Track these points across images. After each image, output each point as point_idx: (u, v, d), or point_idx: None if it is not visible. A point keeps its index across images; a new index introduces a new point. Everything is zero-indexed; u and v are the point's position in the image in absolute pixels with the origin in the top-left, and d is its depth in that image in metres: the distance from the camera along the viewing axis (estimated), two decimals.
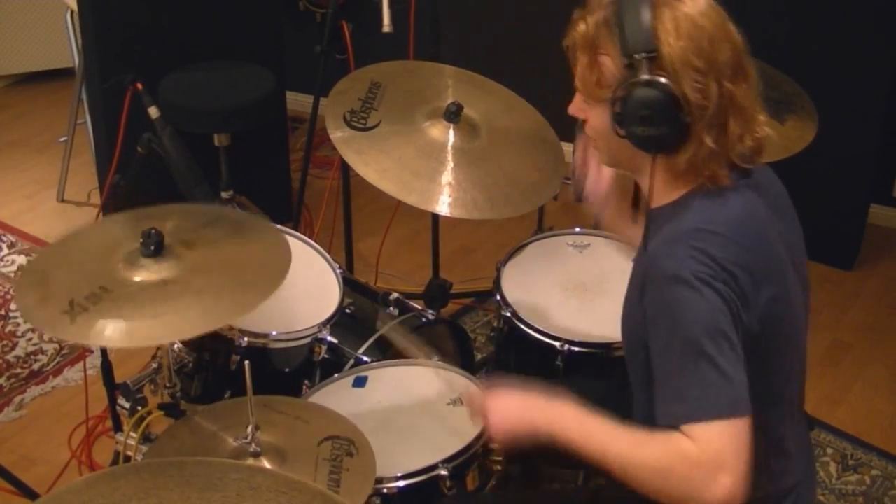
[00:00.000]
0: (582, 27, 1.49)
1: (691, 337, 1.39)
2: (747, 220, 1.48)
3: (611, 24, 1.45)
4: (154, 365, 2.20)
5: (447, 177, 2.14)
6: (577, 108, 1.58)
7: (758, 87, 1.50)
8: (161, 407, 2.12)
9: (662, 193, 1.53)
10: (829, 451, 2.70)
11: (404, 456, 1.86)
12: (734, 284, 1.41)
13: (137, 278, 1.70)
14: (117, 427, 2.30)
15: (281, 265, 1.78)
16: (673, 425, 1.40)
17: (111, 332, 1.60)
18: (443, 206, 2.09)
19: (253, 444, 1.69)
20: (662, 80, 1.41)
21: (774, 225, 1.53)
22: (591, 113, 1.55)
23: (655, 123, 1.42)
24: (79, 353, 2.96)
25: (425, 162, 2.16)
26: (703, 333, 1.39)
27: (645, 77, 1.41)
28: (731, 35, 1.46)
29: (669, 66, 1.41)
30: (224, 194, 3.04)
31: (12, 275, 3.29)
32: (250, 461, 1.68)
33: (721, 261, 1.41)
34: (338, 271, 2.34)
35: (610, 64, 1.47)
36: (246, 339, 2.09)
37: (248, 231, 1.91)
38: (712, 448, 1.37)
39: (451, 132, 2.21)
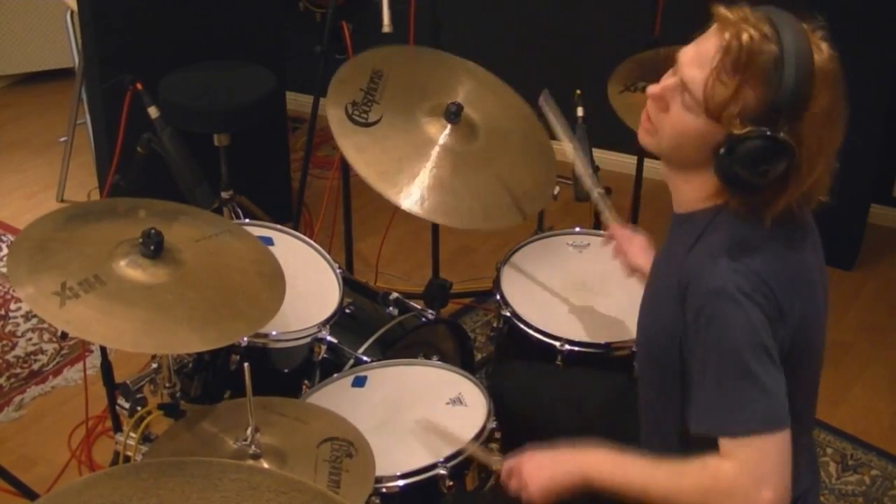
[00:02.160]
0: (745, 39, 1.38)
1: (735, 351, 1.40)
2: (783, 234, 1.47)
3: (772, 59, 1.37)
4: (154, 365, 2.20)
5: (425, 174, 2.12)
6: (662, 93, 1.48)
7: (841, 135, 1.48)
8: (161, 407, 2.12)
9: (696, 200, 1.52)
10: (829, 451, 2.70)
11: (404, 455, 1.86)
12: (773, 298, 1.41)
13: (132, 276, 1.70)
14: (117, 427, 2.31)
15: (273, 301, 1.80)
16: (707, 434, 1.42)
17: (97, 327, 1.60)
18: (409, 201, 2.08)
19: (253, 447, 1.69)
20: (791, 141, 1.37)
21: (810, 247, 1.54)
22: (682, 113, 1.45)
23: (760, 175, 1.39)
24: (79, 353, 2.96)
25: (425, 162, 2.16)
26: (746, 348, 1.40)
27: (782, 136, 1.37)
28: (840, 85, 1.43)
29: (804, 133, 1.38)
30: (224, 194, 3.03)
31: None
32: (250, 463, 1.68)
33: (763, 274, 1.41)
34: (338, 271, 2.34)
35: (751, 97, 1.38)
36: (246, 338, 2.09)
37: (249, 254, 1.92)
38: (750, 465, 1.39)
39: (447, 132, 2.21)
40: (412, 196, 2.09)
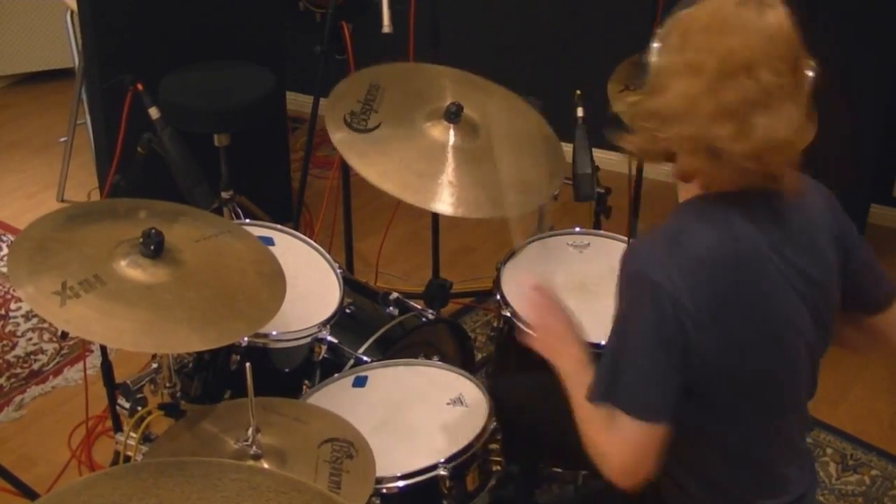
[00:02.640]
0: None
1: (632, 332, 1.45)
2: (728, 253, 1.44)
3: None
4: (154, 365, 2.20)
5: (448, 176, 2.14)
6: None
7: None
8: (161, 407, 2.12)
9: (683, 192, 1.55)
10: (829, 451, 2.70)
11: (404, 456, 1.86)
12: (692, 304, 1.41)
13: (133, 276, 1.70)
14: (117, 427, 2.31)
15: (273, 301, 1.80)
16: (593, 401, 1.50)
17: (97, 327, 1.60)
18: (445, 205, 2.10)
19: (254, 447, 1.69)
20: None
21: (772, 263, 1.47)
22: None
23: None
24: (79, 353, 2.96)
25: (427, 163, 2.16)
26: (642, 335, 1.44)
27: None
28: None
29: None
30: (224, 194, 3.03)
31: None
32: (251, 463, 1.68)
33: (682, 284, 1.41)
34: (338, 271, 2.34)
35: None
36: (246, 338, 2.09)
37: (249, 254, 1.92)
38: (628, 444, 1.46)
39: (452, 132, 2.22)
40: (444, 200, 2.11)
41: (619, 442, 1.46)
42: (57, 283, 1.62)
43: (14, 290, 3.21)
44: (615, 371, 1.48)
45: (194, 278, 1.75)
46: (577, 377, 1.59)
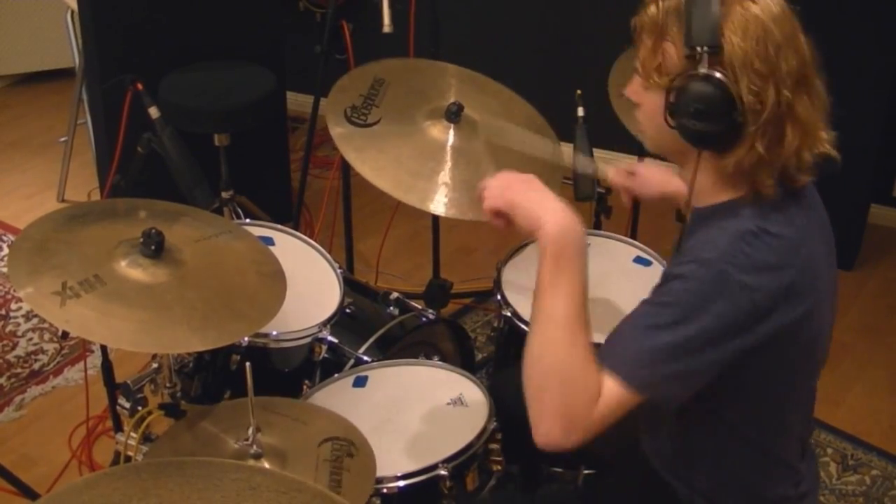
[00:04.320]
0: (653, 10, 1.47)
1: (692, 319, 1.39)
2: (795, 238, 1.45)
3: (680, 13, 1.42)
4: (154, 365, 2.20)
5: (443, 176, 2.14)
6: (632, 90, 1.55)
7: (825, 105, 1.49)
8: (161, 407, 2.12)
9: (707, 194, 1.51)
10: (829, 451, 2.70)
11: (404, 456, 1.86)
12: (755, 300, 1.39)
13: (133, 276, 1.70)
14: (118, 427, 2.31)
15: (274, 301, 1.80)
16: (602, 362, 1.44)
17: (97, 327, 1.60)
18: (437, 205, 2.09)
19: (254, 446, 1.69)
20: (719, 76, 1.39)
21: (821, 244, 1.52)
22: (645, 97, 1.51)
23: (706, 119, 1.40)
24: (79, 353, 2.96)
25: (423, 161, 2.16)
26: (698, 326, 1.38)
27: (703, 71, 1.39)
28: (800, 45, 1.45)
29: (729, 65, 1.39)
30: (224, 194, 3.03)
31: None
32: (251, 463, 1.68)
33: (760, 268, 1.39)
34: (338, 271, 2.34)
35: (673, 52, 1.44)
36: (246, 338, 2.09)
37: (250, 254, 1.92)
38: (601, 411, 1.41)
39: (451, 132, 2.22)
40: (437, 200, 2.10)
41: (600, 404, 1.40)
42: (57, 284, 1.62)
43: (14, 291, 3.21)
44: (656, 353, 1.41)
45: (194, 278, 1.75)
46: (563, 258, 1.50)
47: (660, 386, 1.41)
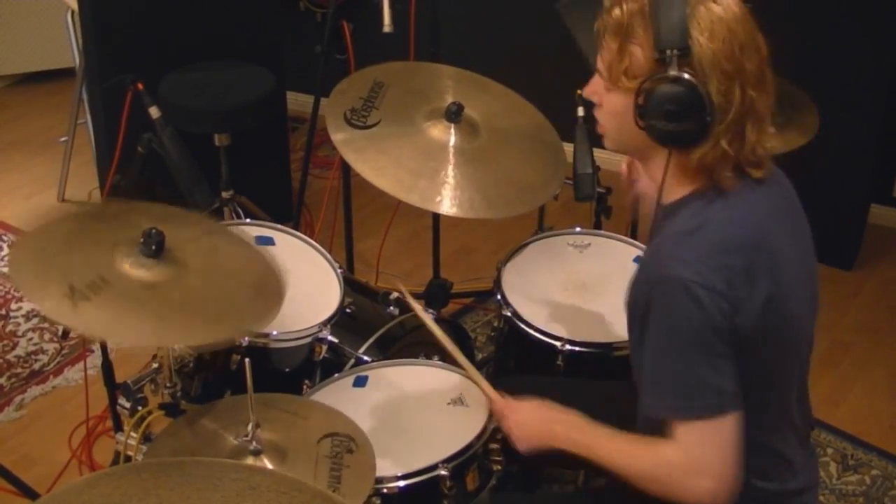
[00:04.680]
0: (616, 13, 1.49)
1: (679, 338, 1.44)
2: (747, 222, 1.49)
3: (646, 16, 1.45)
4: (154, 365, 2.20)
5: (446, 176, 2.14)
6: (592, 90, 1.59)
7: (773, 101, 1.52)
8: (161, 407, 2.12)
9: (670, 190, 1.55)
10: (829, 451, 2.70)
11: (404, 456, 1.86)
12: (720, 289, 1.42)
13: (138, 276, 1.70)
14: (118, 427, 2.30)
15: (276, 292, 1.80)
16: (656, 417, 1.48)
17: (116, 325, 1.62)
18: (440, 205, 2.10)
19: (254, 443, 1.69)
20: (689, 77, 1.42)
21: (781, 226, 1.54)
22: (606, 98, 1.55)
23: (677, 119, 1.44)
24: (79, 353, 2.97)
25: (424, 161, 2.16)
26: (691, 336, 1.43)
27: (673, 73, 1.42)
28: (760, 44, 1.48)
29: (698, 66, 1.42)
30: (224, 194, 3.03)
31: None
32: (251, 459, 1.68)
33: (715, 264, 1.43)
34: (338, 271, 2.34)
35: (640, 55, 1.47)
36: (246, 338, 2.09)
37: (248, 254, 1.92)
38: (692, 451, 1.44)
39: (452, 132, 2.22)
40: (438, 199, 2.10)
41: (712, 452, 1.44)
42: (64, 286, 1.62)
43: (15, 291, 3.22)
44: (677, 383, 1.46)
45: (198, 274, 1.76)
46: (590, 437, 1.61)
47: (706, 395, 1.44)
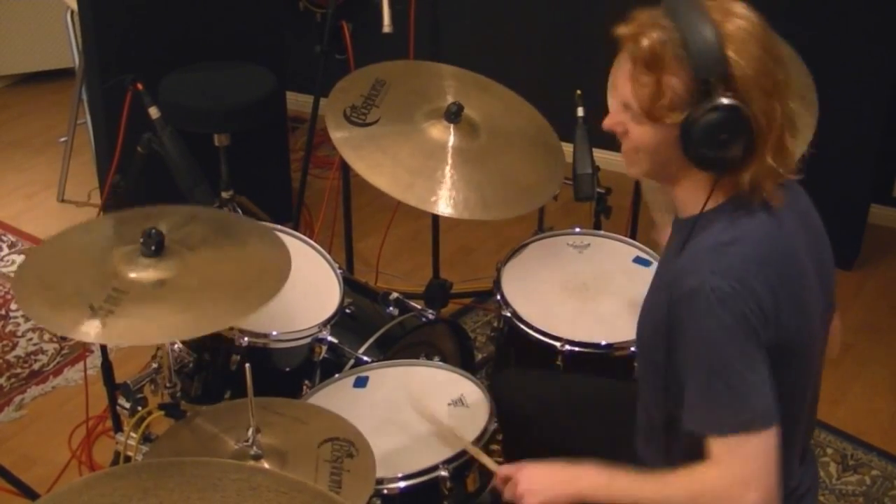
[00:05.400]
0: (645, 43, 1.44)
1: (714, 354, 1.42)
2: (774, 236, 1.48)
3: (676, 43, 1.41)
4: (154, 365, 2.20)
5: (442, 176, 2.14)
6: (615, 122, 1.55)
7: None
8: (161, 407, 2.12)
9: (695, 204, 1.53)
10: (829, 451, 2.70)
11: (405, 456, 1.86)
12: (754, 301, 1.41)
13: (147, 278, 1.71)
14: (117, 427, 2.31)
15: (282, 269, 1.81)
16: (695, 434, 1.44)
17: (147, 329, 1.64)
18: (436, 205, 2.09)
19: (254, 447, 1.69)
20: (736, 103, 1.40)
21: (803, 239, 1.54)
22: (636, 130, 1.51)
23: (727, 146, 1.42)
24: (79, 353, 2.96)
25: (422, 161, 2.16)
26: (726, 350, 1.41)
27: (723, 101, 1.39)
28: (780, 53, 1.46)
29: (741, 88, 1.40)
30: (224, 194, 3.03)
31: (12, 275, 3.29)
32: (251, 464, 1.68)
33: (743, 278, 1.42)
34: (338, 271, 2.34)
35: (678, 85, 1.43)
36: (246, 338, 2.09)
37: (244, 234, 1.92)
38: (738, 467, 1.41)
39: (452, 132, 2.22)
40: (434, 199, 2.10)
41: (757, 465, 1.41)
42: (84, 307, 1.63)
43: (12, 291, 3.21)
44: (727, 395, 1.42)
45: (201, 259, 1.78)
46: (621, 488, 1.53)
47: (750, 408, 1.42)
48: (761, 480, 1.40)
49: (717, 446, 1.42)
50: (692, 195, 1.53)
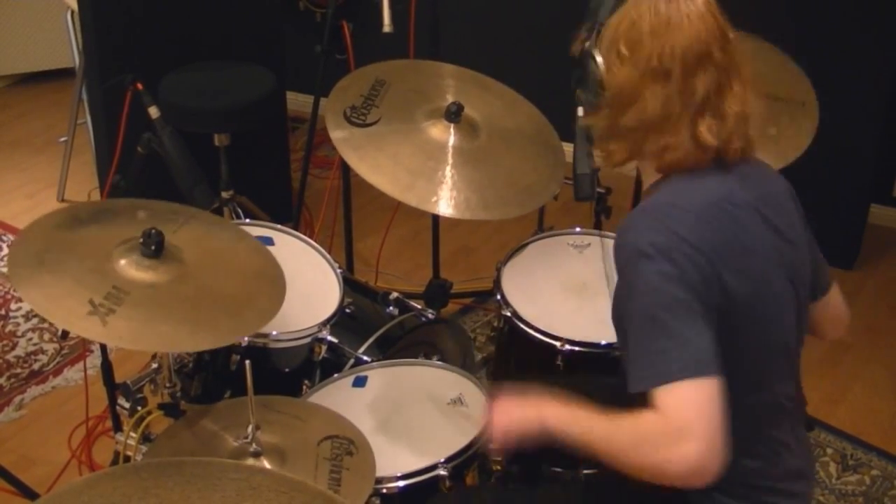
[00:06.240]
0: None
1: (645, 305, 1.44)
2: (718, 201, 1.51)
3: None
4: (154, 365, 2.20)
5: (443, 176, 2.14)
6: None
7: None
8: (161, 407, 2.12)
9: (647, 177, 1.61)
10: (829, 451, 2.70)
11: (404, 456, 1.86)
12: (689, 256, 1.44)
13: (148, 279, 1.70)
14: (117, 427, 2.31)
15: (278, 283, 1.84)
16: (639, 391, 1.44)
17: (150, 335, 1.64)
18: (437, 205, 2.09)
19: (253, 444, 1.69)
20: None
21: (758, 213, 1.55)
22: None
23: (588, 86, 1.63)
24: (79, 353, 2.96)
25: (422, 161, 2.16)
26: (655, 301, 1.43)
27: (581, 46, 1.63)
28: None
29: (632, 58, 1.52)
30: (224, 194, 3.03)
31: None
32: (251, 462, 1.68)
33: (681, 233, 1.45)
34: (338, 271, 2.34)
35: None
36: (246, 338, 2.09)
37: (248, 254, 1.93)
38: (673, 414, 1.41)
39: (452, 132, 2.22)
40: (434, 199, 2.10)
41: (693, 414, 1.39)
42: (84, 302, 1.62)
43: (14, 290, 3.21)
44: (661, 342, 1.43)
45: (200, 266, 1.78)
46: (576, 415, 1.55)
47: (681, 357, 1.42)
48: (698, 431, 1.39)
49: (656, 396, 1.42)
50: (645, 170, 1.61)
